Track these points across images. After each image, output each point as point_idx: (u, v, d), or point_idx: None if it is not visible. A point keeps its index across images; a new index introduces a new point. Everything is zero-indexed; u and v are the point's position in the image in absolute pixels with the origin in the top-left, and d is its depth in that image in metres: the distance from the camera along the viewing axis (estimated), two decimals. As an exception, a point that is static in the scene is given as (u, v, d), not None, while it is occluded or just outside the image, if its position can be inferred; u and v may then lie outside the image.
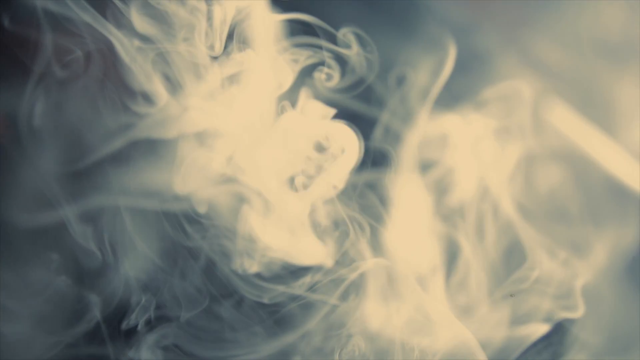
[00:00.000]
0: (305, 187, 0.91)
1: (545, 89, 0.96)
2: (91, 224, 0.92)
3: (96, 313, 0.93)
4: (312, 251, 0.91)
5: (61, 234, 0.91)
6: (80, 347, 0.93)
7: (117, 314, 0.93)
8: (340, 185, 0.91)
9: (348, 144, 0.91)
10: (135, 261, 0.93)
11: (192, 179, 0.90)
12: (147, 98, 0.88)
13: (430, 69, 0.94)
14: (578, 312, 0.94)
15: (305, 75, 0.92)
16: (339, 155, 0.91)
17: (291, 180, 0.91)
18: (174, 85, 0.89)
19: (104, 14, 0.87)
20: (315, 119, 0.91)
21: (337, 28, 0.93)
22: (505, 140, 0.95)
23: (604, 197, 0.97)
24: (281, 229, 0.90)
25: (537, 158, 0.96)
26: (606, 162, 0.97)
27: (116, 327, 0.93)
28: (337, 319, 0.93)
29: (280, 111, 0.91)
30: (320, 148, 0.91)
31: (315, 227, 0.91)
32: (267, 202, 0.90)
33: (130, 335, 0.93)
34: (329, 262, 0.92)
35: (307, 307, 0.93)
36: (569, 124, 0.97)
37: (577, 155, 0.97)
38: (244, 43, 0.90)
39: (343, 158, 0.91)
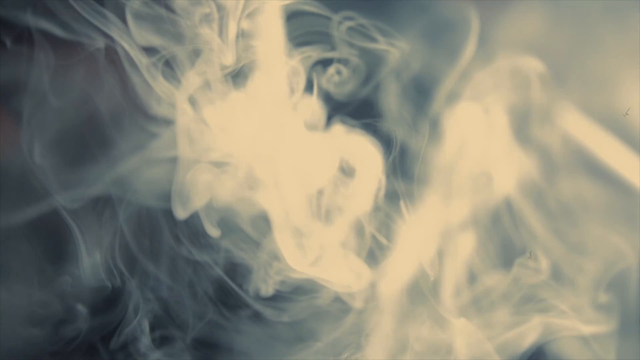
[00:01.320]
0: (328, 209, 0.89)
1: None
2: (95, 234, 0.91)
3: (96, 329, 0.92)
4: (341, 277, 0.89)
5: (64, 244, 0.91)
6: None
7: (116, 331, 0.92)
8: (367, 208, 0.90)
9: (370, 161, 0.89)
10: (142, 278, 0.92)
11: (201, 198, 0.88)
12: (160, 116, 0.87)
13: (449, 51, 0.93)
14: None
15: (319, 76, 0.90)
16: (361, 174, 0.89)
17: (313, 201, 0.89)
18: (187, 99, 0.87)
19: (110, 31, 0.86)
20: (336, 133, 0.90)
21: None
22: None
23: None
24: (306, 253, 0.88)
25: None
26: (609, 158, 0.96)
27: (115, 344, 0.92)
28: (351, 326, 0.92)
29: (296, 123, 0.89)
30: (342, 167, 0.89)
31: (344, 250, 0.89)
32: (289, 223, 0.88)
33: (133, 352, 0.92)
34: (358, 304, 0.90)
35: (324, 315, 0.92)
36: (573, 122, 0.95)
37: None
38: (254, 42, 0.88)
39: (365, 177, 0.89)
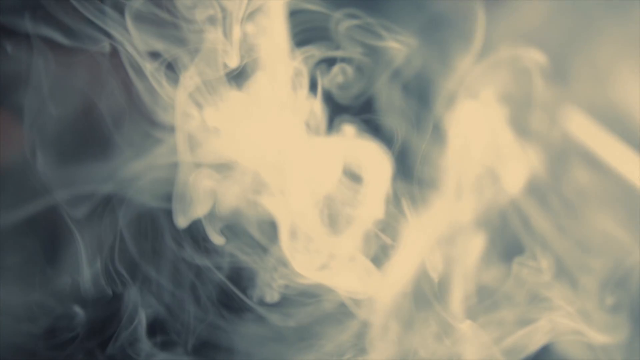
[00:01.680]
0: (337, 215, 0.87)
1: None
2: (96, 237, 0.90)
3: (96, 332, 0.91)
4: (350, 283, 0.88)
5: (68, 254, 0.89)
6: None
7: (116, 334, 0.91)
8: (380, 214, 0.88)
9: (378, 167, 0.88)
10: (144, 282, 0.90)
11: (203, 205, 0.86)
12: (164, 121, 0.86)
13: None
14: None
15: (323, 75, 0.88)
16: (370, 182, 0.88)
17: (321, 207, 0.87)
18: (188, 102, 0.86)
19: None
20: (344, 137, 0.88)
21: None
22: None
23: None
24: (314, 258, 0.87)
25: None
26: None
27: (115, 347, 0.91)
28: (355, 329, 0.91)
29: (300, 125, 0.87)
30: (349, 173, 0.88)
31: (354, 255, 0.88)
32: (296, 228, 0.87)
33: (133, 355, 0.91)
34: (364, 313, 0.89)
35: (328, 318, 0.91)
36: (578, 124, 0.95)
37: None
38: (258, 41, 0.86)
39: (374, 184, 0.88)
